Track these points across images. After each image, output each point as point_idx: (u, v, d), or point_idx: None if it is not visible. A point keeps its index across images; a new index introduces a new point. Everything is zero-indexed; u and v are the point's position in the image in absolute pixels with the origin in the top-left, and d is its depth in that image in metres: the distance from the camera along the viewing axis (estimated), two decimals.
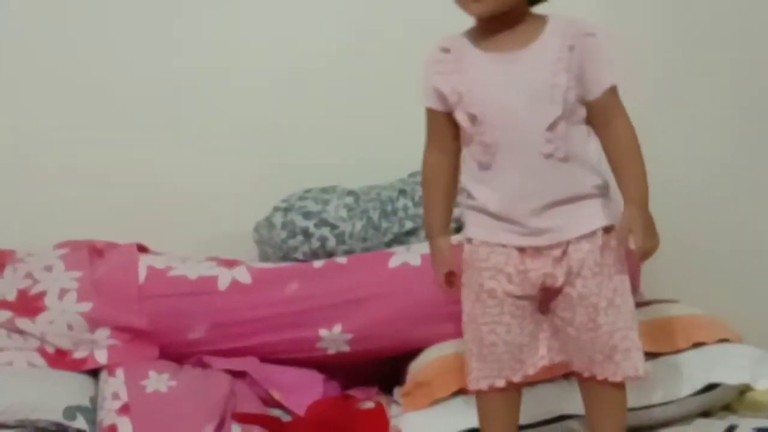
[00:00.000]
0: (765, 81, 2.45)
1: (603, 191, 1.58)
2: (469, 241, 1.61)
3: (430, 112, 1.62)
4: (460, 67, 1.57)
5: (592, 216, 1.55)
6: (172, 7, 2.38)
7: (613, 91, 1.53)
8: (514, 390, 1.61)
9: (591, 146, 1.58)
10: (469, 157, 1.59)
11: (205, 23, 2.40)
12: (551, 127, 1.50)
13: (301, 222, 2.25)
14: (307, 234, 2.24)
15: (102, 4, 2.34)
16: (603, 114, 1.54)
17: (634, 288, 1.82)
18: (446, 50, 1.58)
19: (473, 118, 1.54)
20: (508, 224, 1.56)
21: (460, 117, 1.55)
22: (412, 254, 2.06)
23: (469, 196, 1.62)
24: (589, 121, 1.57)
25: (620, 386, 1.58)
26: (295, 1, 2.39)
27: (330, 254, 2.21)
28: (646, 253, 1.55)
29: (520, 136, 1.53)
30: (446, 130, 1.61)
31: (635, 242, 1.53)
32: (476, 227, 1.61)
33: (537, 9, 1.60)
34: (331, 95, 2.40)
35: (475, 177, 1.59)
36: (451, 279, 1.69)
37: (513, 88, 1.53)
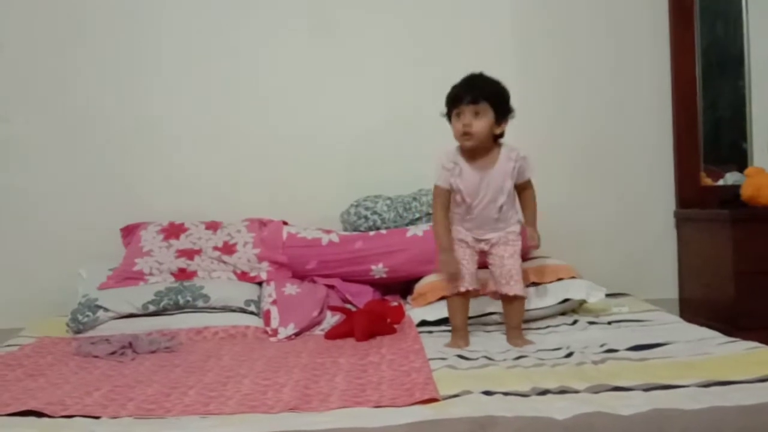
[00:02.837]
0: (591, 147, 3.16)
1: (516, 220, 2.29)
2: (455, 238, 2.27)
3: (441, 189, 2.24)
4: (460, 173, 2.23)
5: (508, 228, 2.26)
6: (315, 100, 3.12)
7: (530, 180, 2.28)
8: (465, 298, 2.27)
9: (516, 205, 2.28)
10: (457, 211, 2.26)
11: (321, 108, 3.14)
12: (500, 207, 2.24)
13: (363, 212, 2.91)
14: (366, 218, 2.90)
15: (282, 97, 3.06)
16: (524, 186, 2.28)
17: (526, 254, 2.52)
18: (455, 163, 2.23)
19: (464, 198, 2.23)
20: (472, 234, 2.28)
21: (458, 196, 2.23)
22: (419, 230, 2.75)
23: (455, 230, 2.28)
24: (517, 188, 2.28)
25: (517, 297, 2.24)
26: (362, 93, 3.12)
27: (377, 229, 2.87)
28: (537, 245, 2.31)
29: (485, 209, 2.24)
30: (447, 198, 2.27)
31: (535, 242, 2.29)
32: (458, 234, 2.28)
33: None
34: (379, 146, 3.10)
35: (460, 220, 2.28)
36: (454, 276, 2.20)
37: (485, 187, 2.21)
